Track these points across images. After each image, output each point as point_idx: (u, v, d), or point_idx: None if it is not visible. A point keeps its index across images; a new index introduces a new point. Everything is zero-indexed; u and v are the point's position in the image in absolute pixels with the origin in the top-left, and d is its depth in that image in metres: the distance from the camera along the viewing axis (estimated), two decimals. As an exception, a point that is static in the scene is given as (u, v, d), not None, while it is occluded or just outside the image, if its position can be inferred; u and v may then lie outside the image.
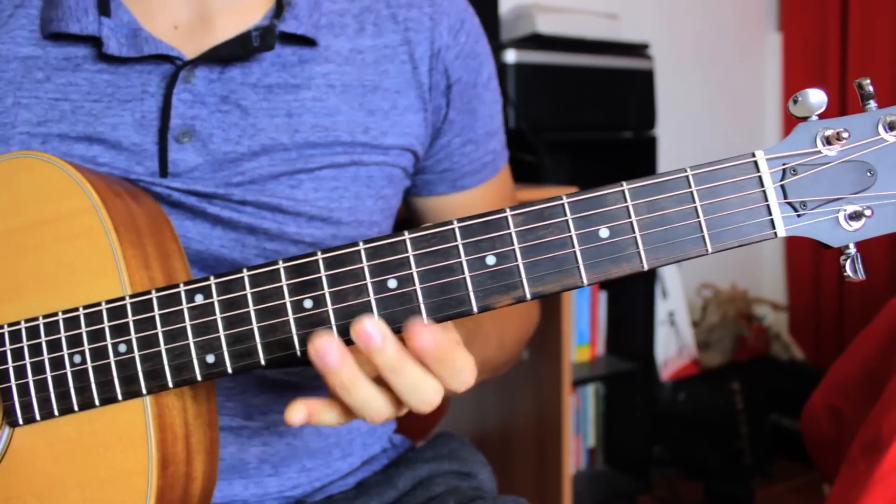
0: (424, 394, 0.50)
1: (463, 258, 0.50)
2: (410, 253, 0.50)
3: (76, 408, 0.55)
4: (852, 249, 0.48)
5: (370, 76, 0.72)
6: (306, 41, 0.69)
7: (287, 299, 0.52)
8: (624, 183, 0.49)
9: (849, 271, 0.48)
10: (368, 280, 0.51)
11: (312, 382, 0.73)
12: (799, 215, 0.48)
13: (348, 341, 0.50)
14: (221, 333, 0.52)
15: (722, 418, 2.17)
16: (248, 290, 0.52)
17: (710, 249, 0.48)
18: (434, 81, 0.74)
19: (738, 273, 2.53)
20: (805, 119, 0.49)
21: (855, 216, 0.48)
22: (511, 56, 1.76)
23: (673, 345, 2.18)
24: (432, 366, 0.50)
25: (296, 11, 0.68)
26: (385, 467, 0.79)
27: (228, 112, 0.67)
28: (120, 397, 0.54)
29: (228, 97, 0.67)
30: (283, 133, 0.68)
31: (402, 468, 0.76)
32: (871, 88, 0.48)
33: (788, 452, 2.26)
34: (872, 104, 0.48)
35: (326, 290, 0.51)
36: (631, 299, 2.03)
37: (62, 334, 0.55)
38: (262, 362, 0.52)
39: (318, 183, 0.69)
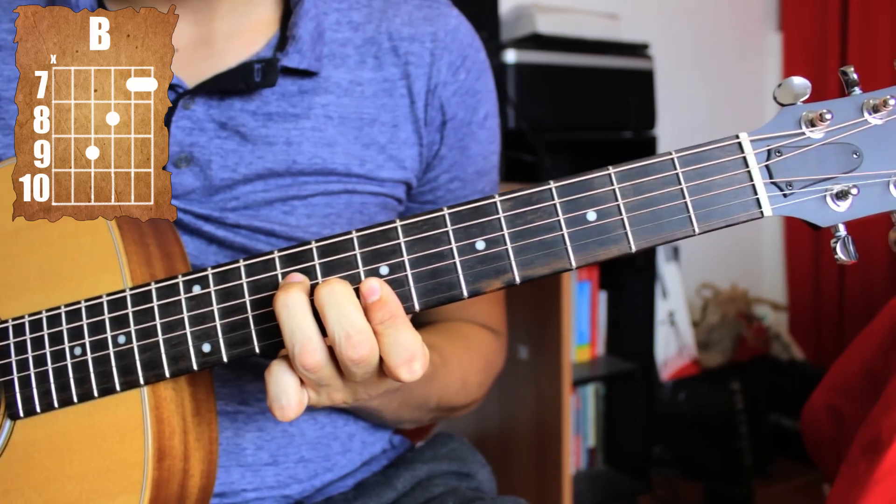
0: (359, 343, 0.50)
1: (453, 244, 0.51)
2: (402, 240, 0.51)
3: (76, 399, 0.56)
4: (842, 231, 0.49)
5: (368, 109, 0.72)
6: (307, 73, 0.70)
7: (282, 288, 0.52)
8: (610, 167, 0.50)
9: (840, 253, 0.49)
10: (361, 268, 0.51)
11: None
12: (785, 195, 0.49)
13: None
14: (217, 322, 0.53)
15: (722, 418, 2.17)
16: (244, 280, 0.53)
17: (696, 230, 0.49)
18: (429, 117, 0.75)
19: (738, 273, 2.53)
20: (791, 105, 0.49)
21: (841, 195, 0.48)
22: (511, 56, 1.77)
23: (673, 345, 2.18)
24: (376, 320, 0.50)
25: (299, 45, 0.69)
26: (384, 468, 0.79)
27: (227, 138, 0.68)
28: (118, 388, 0.55)
29: (227, 123, 0.68)
30: (280, 161, 0.68)
31: (400, 469, 0.77)
32: (855, 76, 0.48)
33: (788, 452, 2.25)
34: (857, 90, 0.49)
35: (320, 279, 0.52)
36: (631, 299, 2.02)
37: (64, 327, 0.56)
38: (257, 350, 0.53)
39: (310, 209, 0.70)
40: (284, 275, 0.52)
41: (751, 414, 2.18)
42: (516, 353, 1.69)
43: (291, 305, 0.50)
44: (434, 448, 0.80)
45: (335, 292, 0.50)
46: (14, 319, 0.57)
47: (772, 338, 2.36)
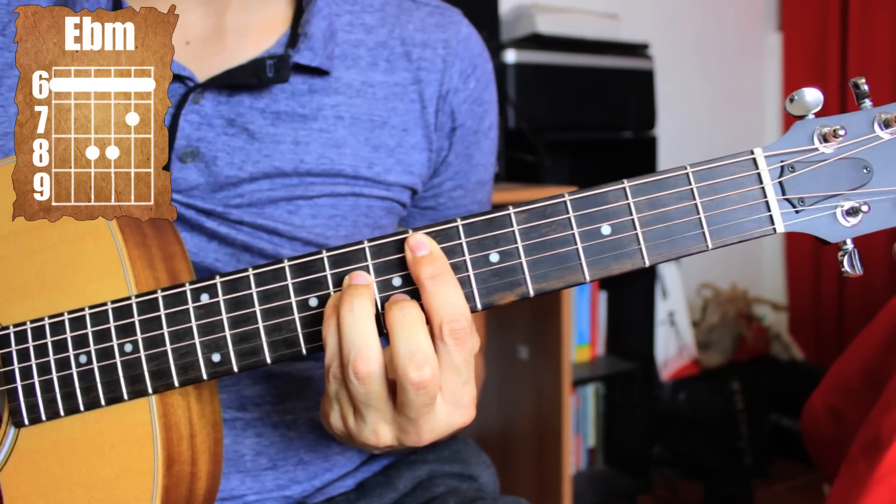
0: (423, 363, 0.48)
1: (466, 256, 0.50)
2: (414, 251, 0.51)
3: (82, 408, 0.55)
4: (850, 245, 0.49)
5: (379, 112, 0.72)
6: (318, 71, 0.70)
7: (292, 298, 0.52)
8: (625, 180, 0.49)
9: (846, 267, 0.49)
10: (373, 278, 0.51)
11: (304, 374, 0.74)
12: (797, 211, 0.49)
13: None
14: (227, 332, 0.53)
15: (722, 418, 2.17)
16: (254, 289, 0.53)
17: (710, 245, 0.49)
18: (440, 122, 0.75)
19: (738, 273, 2.53)
20: (802, 117, 0.49)
21: (852, 212, 0.48)
22: (511, 56, 1.77)
23: (673, 345, 2.18)
24: (426, 274, 0.49)
25: (311, 43, 0.68)
26: (385, 468, 0.78)
27: (235, 135, 0.68)
28: (126, 397, 0.54)
29: (235, 120, 0.68)
30: (288, 161, 0.68)
31: (401, 469, 0.76)
32: (866, 87, 0.48)
33: (788, 452, 2.26)
34: (868, 102, 0.49)
35: (332, 289, 0.51)
36: (631, 299, 2.03)
37: (68, 334, 0.55)
38: (268, 361, 0.53)
39: (316, 210, 0.70)
40: (294, 284, 0.52)
41: (751, 414, 2.18)
42: (516, 353, 1.70)
43: (358, 310, 0.49)
44: (436, 449, 0.79)
45: (411, 316, 0.48)
46: (15, 326, 0.57)
47: (772, 338, 2.36)
